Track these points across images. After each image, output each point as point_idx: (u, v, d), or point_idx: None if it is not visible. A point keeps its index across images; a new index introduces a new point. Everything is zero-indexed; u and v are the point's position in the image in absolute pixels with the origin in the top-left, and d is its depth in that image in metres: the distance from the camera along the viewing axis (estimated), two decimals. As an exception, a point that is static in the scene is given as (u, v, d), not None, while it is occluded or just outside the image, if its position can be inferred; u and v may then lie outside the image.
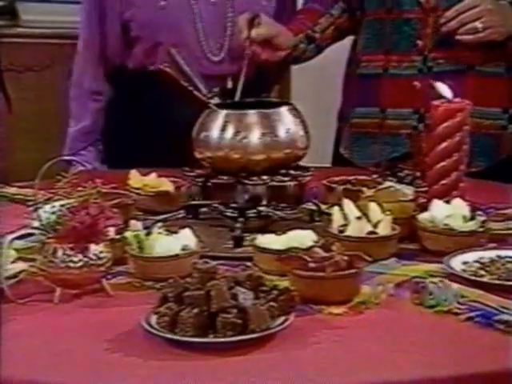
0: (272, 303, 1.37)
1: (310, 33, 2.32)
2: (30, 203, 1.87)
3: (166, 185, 1.99)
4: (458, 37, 2.16)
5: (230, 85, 2.16)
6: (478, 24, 2.15)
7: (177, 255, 1.59)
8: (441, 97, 1.84)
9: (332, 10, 2.37)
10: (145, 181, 2.01)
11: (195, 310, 1.33)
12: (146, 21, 2.37)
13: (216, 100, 1.90)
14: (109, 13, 2.41)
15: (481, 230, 1.71)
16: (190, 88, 1.92)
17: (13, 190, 2.12)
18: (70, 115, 2.52)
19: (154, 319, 1.37)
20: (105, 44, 2.44)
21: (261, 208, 1.81)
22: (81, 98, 2.50)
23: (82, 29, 2.52)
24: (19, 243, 1.68)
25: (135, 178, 2.02)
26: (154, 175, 2.02)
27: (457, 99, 1.84)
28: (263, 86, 2.24)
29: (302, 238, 1.63)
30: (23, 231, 1.70)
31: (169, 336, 1.33)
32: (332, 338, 1.38)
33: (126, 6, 2.38)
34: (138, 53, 2.40)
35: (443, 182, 1.82)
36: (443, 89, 1.86)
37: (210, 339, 1.32)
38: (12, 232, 1.69)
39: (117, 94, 2.48)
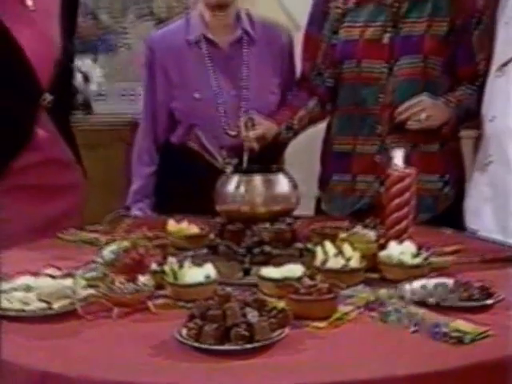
0: (272, 319, 1.35)
1: (290, 123, 2.30)
2: (96, 244, 1.86)
3: (194, 229, 1.96)
4: (408, 125, 2.15)
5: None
6: (422, 115, 2.14)
7: (201, 283, 1.56)
8: (394, 165, 1.82)
9: (308, 103, 2.34)
10: (178, 226, 1.97)
11: (215, 325, 1.31)
12: (185, 109, 2.36)
13: (230, 168, 1.87)
14: (159, 105, 2.41)
15: (425, 263, 1.67)
16: (210, 159, 1.90)
17: (85, 234, 2.06)
18: (132, 176, 2.50)
19: (184, 331, 1.34)
20: (156, 127, 2.43)
21: (263, 247, 1.77)
22: (139, 165, 2.47)
23: (142, 116, 2.51)
24: (88, 274, 1.64)
25: (172, 224, 1.98)
26: (185, 222, 1.99)
27: (406, 168, 1.81)
28: (271, 160, 2.21)
29: (294, 270, 1.60)
30: (91, 265, 1.68)
31: (195, 344, 1.30)
32: (316, 345, 1.35)
33: (172, 98, 2.37)
34: (179, 131, 2.38)
35: (397, 227, 1.79)
36: (398, 156, 1.82)
37: (226, 347, 1.29)
38: (84, 266, 1.69)
39: (164, 161, 2.45)
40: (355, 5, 2.23)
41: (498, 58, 2.05)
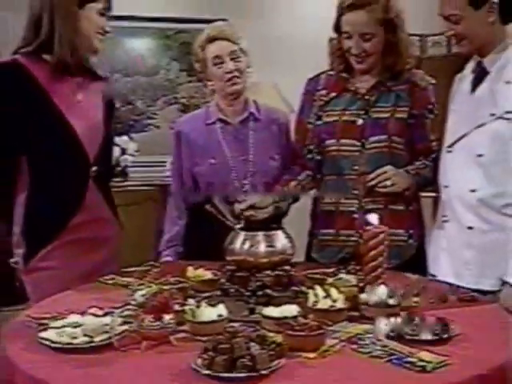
0: (271, 352, 1.34)
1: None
2: (130, 287, 1.86)
3: (209, 275, 1.94)
4: (377, 189, 2.17)
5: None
6: (388, 182, 2.16)
7: (215, 321, 1.55)
8: (370, 224, 1.83)
9: (299, 177, 2.34)
10: (196, 272, 1.95)
11: (224, 357, 1.31)
12: (204, 172, 2.37)
13: (238, 226, 1.87)
14: (185, 171, 2.42)
15: (396, 304, 1.66)
16: (223, 219, 1.91)
17: (121, 278, 2.03)
18: (164, 229, 2.48)
19: (199, 361, 1.34)
20: (183, 190, 2.43)
21: (265, 290, 1.75)
22: (170, 220, 2.46)
23: (172, 181, 2.50)
24: (123, 313, 1.64)
25: (190, 270, 1.96)
26: (201, 269, 1.97)
27: (380, 226, 1.81)
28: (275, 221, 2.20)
29: (291, 309, 1.58)
30: (126, 306, 1.68)
31: (208, 372, 1.30)
32: (307, 373, 1.35)
33: (194, 165, 2.39)
34: (201, 191, 2.38)
35: (373, 274, 1.77)
36: (373, 217, 1.84)
37: (233, 375, 1.29)
38: (120, 306, 1.69)
39: (191, 219, 2.44)
40: (335, 95, 2.27)
41: (448, 138, 2.09)
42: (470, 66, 2.07)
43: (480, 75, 2.01)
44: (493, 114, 1.93)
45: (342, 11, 2.19)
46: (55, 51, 2.04)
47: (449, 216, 2.06)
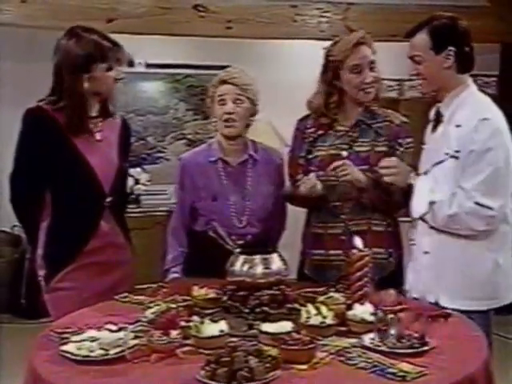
0: (267, 364, 1.34)
1: None
2: (141, 306, 1.85)
3: (212, 294, 1.91)
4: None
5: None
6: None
7: (217, 336, 1.54)
8: (355, 247, 1.84)
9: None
10: (200, 291, 1.92)
11: (225, 369, 1.31)
12: (206, 207, 2.33)
13: (238, 250, 1.87)
14: (188, 203, 2.37)
15: (379, 320, 1.64)
16: (223, 243, 1.92)
17: (134, 297, 2.00)
18: (167, 251, 2.43)
19: (203, 373, 1.34)
20: (185, 217, 2.39)
21: (263, 308, 1.75)
22: (173, 241, 2.40)
23: (175, 209, 2.44)
24: (135, 329, 1.64)
25: (195, 289, 1.93)
26: (205, 288, 1.94)
27: (364, 249, 1.83)
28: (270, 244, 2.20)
29: (285, 325, 1.58)
30: (137, 322, 1.68)
31: (210, 382, 1.30)
32: (300, 383, 1.35)
33: (196, 199, 2.34)
34: (201, 222, 2.34)
35: (359, 293, 1.78)
36: (358, 241, 1.85)
37: (234, 385, 1.29)
38: (132, 323, 1.68)
39: (191, 243, 2.39)
40: (322, 133, 2.31)
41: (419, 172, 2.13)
42: (433, 110, 2.13)
43: (438, 118, 2.08)
44: (447, 153, 1.99)
45: (349, 51, 2.20)
46: (65, 112, 2.06)
47: (415, 240, 2.12)
